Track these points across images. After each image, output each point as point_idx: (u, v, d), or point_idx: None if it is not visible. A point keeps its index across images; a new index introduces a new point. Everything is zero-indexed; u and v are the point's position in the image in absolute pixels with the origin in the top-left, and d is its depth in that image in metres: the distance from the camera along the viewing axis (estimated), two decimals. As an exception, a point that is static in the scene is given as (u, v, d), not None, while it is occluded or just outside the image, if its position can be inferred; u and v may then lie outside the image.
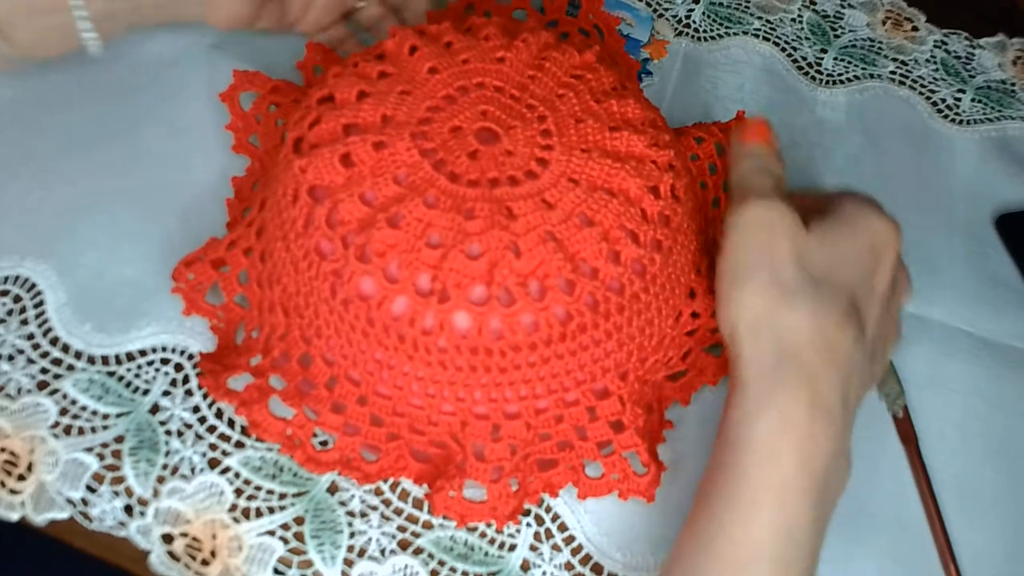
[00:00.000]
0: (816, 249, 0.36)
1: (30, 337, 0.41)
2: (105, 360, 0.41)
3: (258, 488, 0.39)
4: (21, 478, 0.38)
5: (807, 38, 0.58)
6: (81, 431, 0.39)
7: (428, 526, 0.39)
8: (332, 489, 0.39)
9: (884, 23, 0.60)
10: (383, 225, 0.35)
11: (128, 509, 0.38)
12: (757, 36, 0.57)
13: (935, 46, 0.59)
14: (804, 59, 0.57)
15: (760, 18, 0.58)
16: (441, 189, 0.36)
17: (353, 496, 0.39)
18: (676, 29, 0.57)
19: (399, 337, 0.35)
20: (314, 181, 0.37)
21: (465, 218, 0.36)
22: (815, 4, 0.60)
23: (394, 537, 0.39)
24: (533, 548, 0.39)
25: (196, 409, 0.40)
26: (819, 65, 0.57)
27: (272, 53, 0.50)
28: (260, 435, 0.37)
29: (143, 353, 0.41)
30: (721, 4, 0.59)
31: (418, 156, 0.37)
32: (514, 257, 0.35)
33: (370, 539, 0.38)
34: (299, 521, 0.38)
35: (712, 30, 0.57)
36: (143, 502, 0.38)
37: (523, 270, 0.35)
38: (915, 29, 0.60)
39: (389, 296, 0.35)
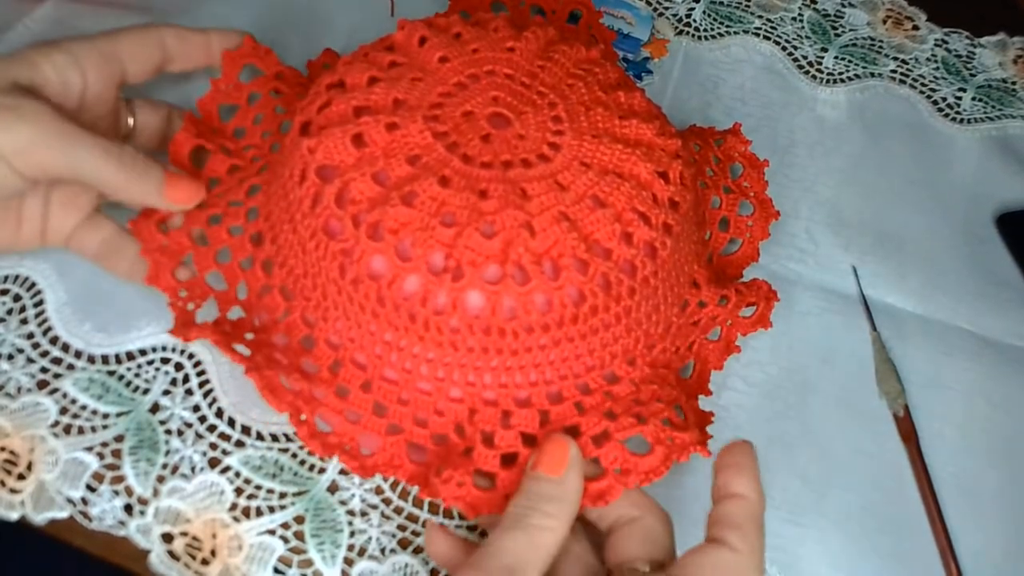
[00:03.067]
0: None
1: (30, 336, 0.41)
2: (105, 359, 0.41)
3: (258, 487, 0.39)
4: (21, 477, 0.38)
5: (808, 37, 0.58)
6: (81, 430, 0.39)
7: (428, 525, 0.39)
8: (332, 488, 0.39)
9: (885, 22, 0.60)
10: (397, 202, 0.35)
11: (128, 508, 0.38)
12: (758, 35, 0.57)
13: (936, 45, 0.59)
14: (805, 58, 0.57)
15: (761, 17, 0.58)
16: (455, 170, 0.36)
17: (353, 495, 0.39)
18: (676, 28, 0.57)
19: (410, 316, 0.35)
20: (323, 161, 0.37)
21: (479, 198, 0.36)
22: (816, 3, 0.60)
23: (394, 536, 0.39)
24: (533, 547, 0.39)
25: (196, 408, 0.40)
26: (820, 64, 0.57)
27: (275, 52, 0.50)
28: (270, 400, 0.36)
29: (143, 352, 0.41)
30: (722, 3, 0.59)
31: (431, 138, 0.37)
32: (529, 236, 0.35)
33: (370, 538, 0.38)
34: (299, 520, 0.38)
35: (713, 29, 0.57)
36: (143, 501, 0.38)
37: (538, 249, 0.35)
38: (916, 28, 0.60)
39: (401, 274, 0.35)
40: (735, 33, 0.57)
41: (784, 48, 0.57)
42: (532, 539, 0.32)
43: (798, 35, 0.58)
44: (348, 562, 0.38)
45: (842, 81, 0.56)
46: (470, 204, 0.35)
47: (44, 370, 0.40)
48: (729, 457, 0.35)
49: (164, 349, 0.41)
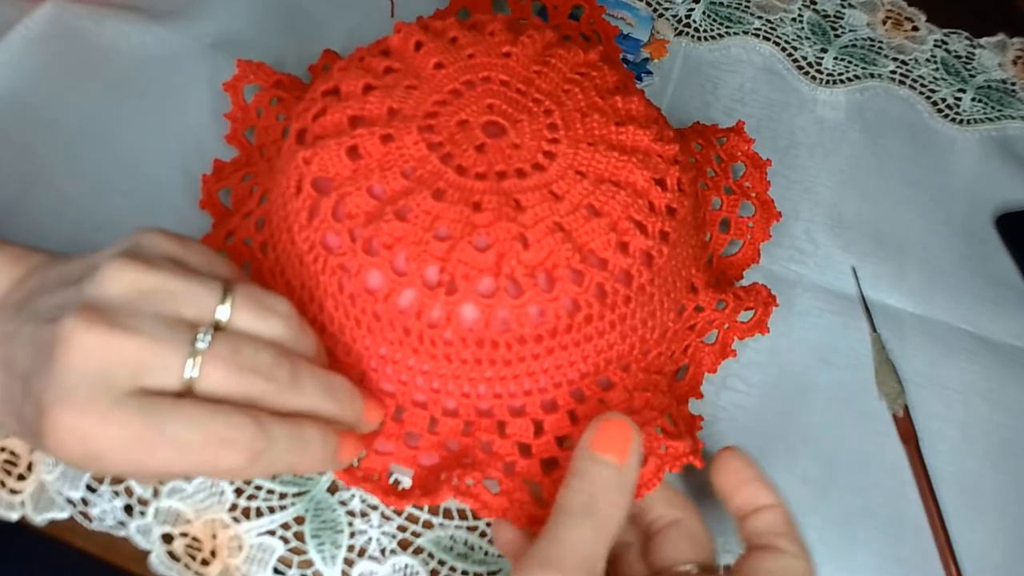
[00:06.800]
0: None
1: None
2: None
3: (258, 488, 0.39)
4: (21, 478, 0.38)
5: (807, 38, 0.58)
6: (81, 431, 0.39)
7: (428, 526, 0.39)
8: (332, 489, 0.39)
9: (884, 23, 0.60)
10: (391, 218, 0.35)
11: (128, 509, 0.38)
12: (757, 36, 0.57)
13: (935, 46, 0.59)
14: (804, 59, 0.57)
15: (760, 18, 0.58)
16: (449, 182, 0.36)
17: (353, 496, 0.39)
18: (676, 29, 0.57)
19: (404, 330, 0.35)
20: (319, 173, 0.37)
21: (473, 210, 0.36)
22: (815, 4, 0.60)
23: (394, 537, 0.39)
24: (533, 548, 0.39)
25: (196, 409, 0.40)
26: (819, 65, 0.57)
27: (274, 53, 0.50)
28: None
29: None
30: (721, 4, 0.59)
31: (425, 150, 0.37)
32: (522, 248, 0.35)
33: (370, 539, 0.38)
34: (299, 521, 0.38)
35: (712, 29, 0.57)
36: (143, 502, 0.38)
37: (531, 261, 0.35)
38: (915, 29, 0.60)
39: (396, 289, 0.35)
40: (735, 34, 0.57)
41: (784, 49, 0.57)
42: (601, 529, 0.31)
43: (798, 36, 0.58)
44: (348, 563, 0.38)
45: (842, 82, 0.56)
46: (463, 217, 0.35)
47: (44, 371, 0.40)
48: (736, 474, 0.36)
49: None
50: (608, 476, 0.32)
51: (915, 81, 0.57)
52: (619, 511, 0.32)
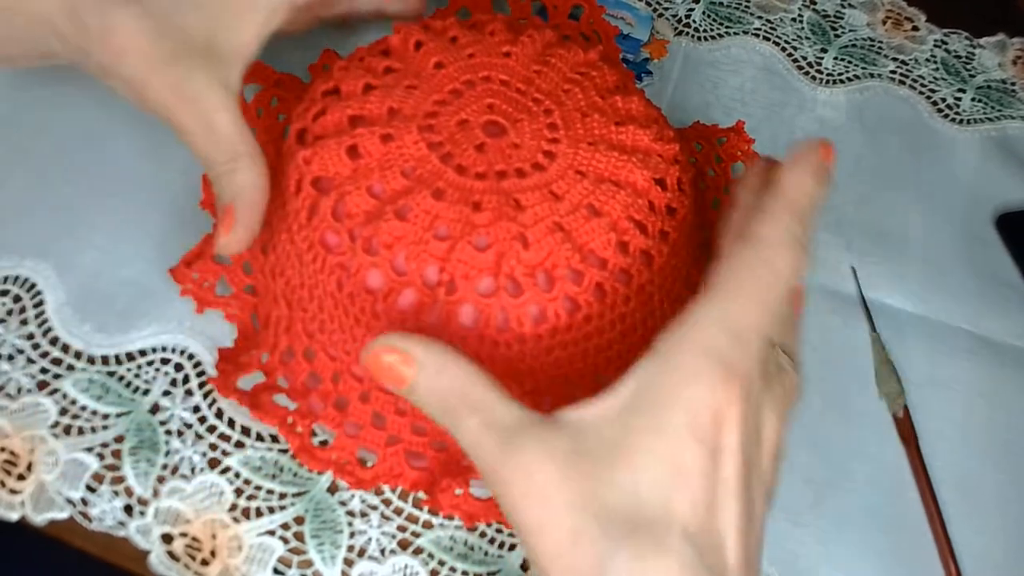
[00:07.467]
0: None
1: (30, 337, 0.41)
2: (105, 360, 0.41)
3: (258, 488, 0.39)
4: (21, 478, 0.38)
5: (807, 38, 0.58)
6: (81, 431, 0.39)
7: (428, 526, 0.39)
8: (332, 489, 0.39)
9: (884, 23, 0.60)
10: (391, 217, 0.35)
11: (128, 509, 0.38)
12: (757, 36, 0.57)
13: (935, 46, 0.59)
14: (804, 59, 0.57)
15: (760, 18, 0.58)
16: (448, 182, 0.36)
17: (353, 496, 0.39)
18: (676, 28, 0.57)
19: (404, 330, 0.35)
20: (319, 172, 0.37)
21: (472, 210, 0.36)
22: (815, 4, 0.60)
23: (394, 537, 0.39)
24: (533, 548, 0.39)
25: (196, 409, 0.40)
26: (819, 65, 0.57)
27: (276, 53, 0.50)
28: (261, 418, 0.37)
29: (143, 353, 0.41)
30: (721, 4, 0.59)
31: (425, 149, 0.37)
32: (522, 248, 0.35)
33: (370, 539, 0.38)
34: (299, 521, 0.38)
35: (712, 29, 0.57)
36: (143, 502, 0.38)
37: (531, 261, 0.35)
38: (915, 29, 0.60)
39: (396, 288, 0.35)
40: (735, 34, 0.57)
41: (784, 49, 0.57)
42: (468, 439, 0.29)
43: (798, 36, 0.58)
44: (348, 563, 0.38)
45: (842, 82, 0.56)
46: (463, 217, 0.35)
47: (44, 371, 0.40)
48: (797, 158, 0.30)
49: (164, 350, 0.41)
50: (421, 402, 0.31)
51: (915, 81, 0.57)
52: (464, 421, 0.30)
